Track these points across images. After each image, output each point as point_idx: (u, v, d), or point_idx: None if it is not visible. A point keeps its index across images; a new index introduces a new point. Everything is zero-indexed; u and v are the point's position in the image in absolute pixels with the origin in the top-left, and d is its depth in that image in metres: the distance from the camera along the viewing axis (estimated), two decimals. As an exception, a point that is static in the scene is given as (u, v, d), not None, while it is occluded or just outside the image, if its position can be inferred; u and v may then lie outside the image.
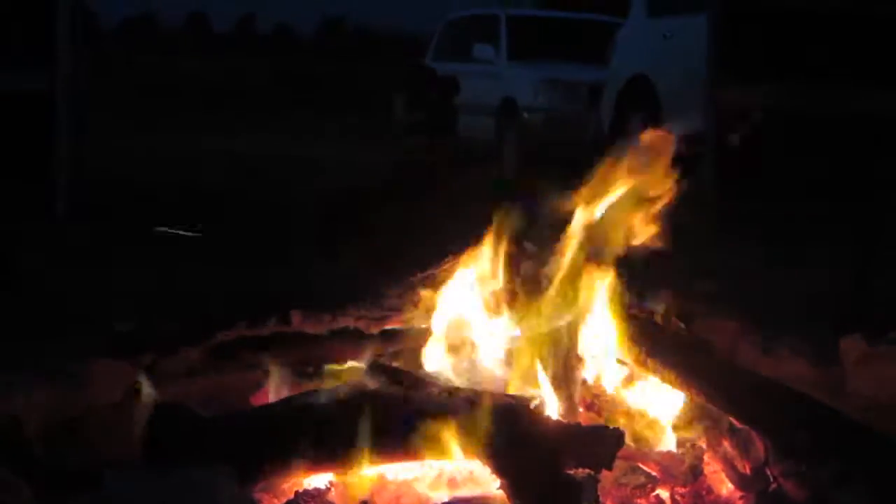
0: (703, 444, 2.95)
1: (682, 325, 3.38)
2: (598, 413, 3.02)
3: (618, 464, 2.62)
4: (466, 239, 3.22)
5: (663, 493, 2.77)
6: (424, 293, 3.24)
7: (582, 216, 3.08)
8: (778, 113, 7.78)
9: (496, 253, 3.16)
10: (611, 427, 2.73)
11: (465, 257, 3.20)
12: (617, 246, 3.09)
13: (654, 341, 3.11)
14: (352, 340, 3.44)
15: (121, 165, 9.67)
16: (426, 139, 11.13)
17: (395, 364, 3.10)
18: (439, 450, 2.62)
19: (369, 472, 2.72)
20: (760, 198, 7.87)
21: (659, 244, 3.10)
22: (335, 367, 3.28)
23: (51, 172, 7.32)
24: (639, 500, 2.73)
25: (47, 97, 7.34)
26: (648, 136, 3.13)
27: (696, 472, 2.83)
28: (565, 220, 3.10)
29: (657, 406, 3.09)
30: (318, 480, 2.71)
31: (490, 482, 2.58)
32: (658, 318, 3.31)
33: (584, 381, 3.10)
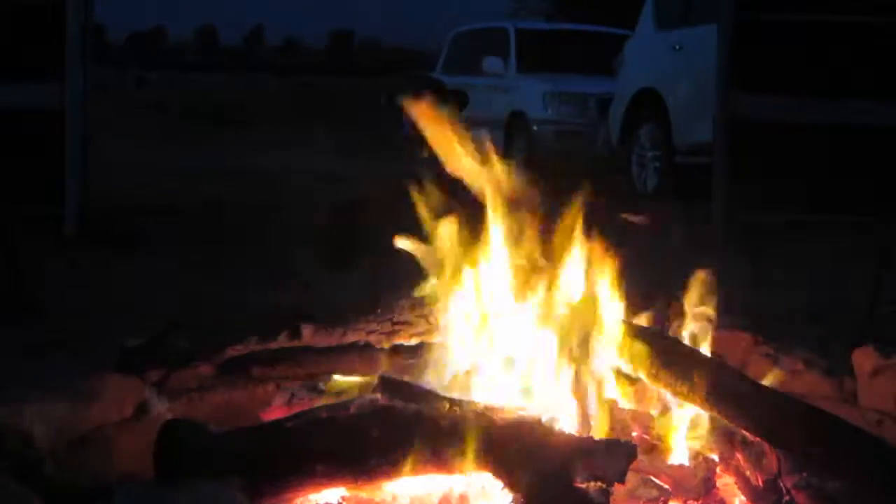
0: (715, 456, 2.94)
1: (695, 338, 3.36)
2: (611, 426, 3.01)
3: (630, 477, 2.60)
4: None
5: (676, 507, 2.76)
6: (434, 307, 3.24)
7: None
8: (790, 124, 7.77)
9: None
10: (623, 440, 2.72)
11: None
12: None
13: (665, 354, 3.09)
14: (363, 355, 3.44)
15: (127, 182, 9.68)
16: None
17: (406, 378, 3.09)
18: (451, 464, 2.62)
19: (381, 486, 2.72)
20: (771, 209, 7.86)
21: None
22: (347, 381, 3.28)
23: (60, 190, 7.32)
24: (651, 514, 2.72)
25: (56, 114, 7.35)
26: None
27: (708, 485, 2.82)
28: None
29: (669, 419, 3.08)
30: (329, 495, 2.70)
31: (502, 496, 2.58)
32: (669, 331, 3.30)
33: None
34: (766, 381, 3.18)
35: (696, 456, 2.94)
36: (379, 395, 2.80)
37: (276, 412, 3.14)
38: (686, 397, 3.02)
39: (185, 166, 11.91)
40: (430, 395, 2.84)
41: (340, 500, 2.69)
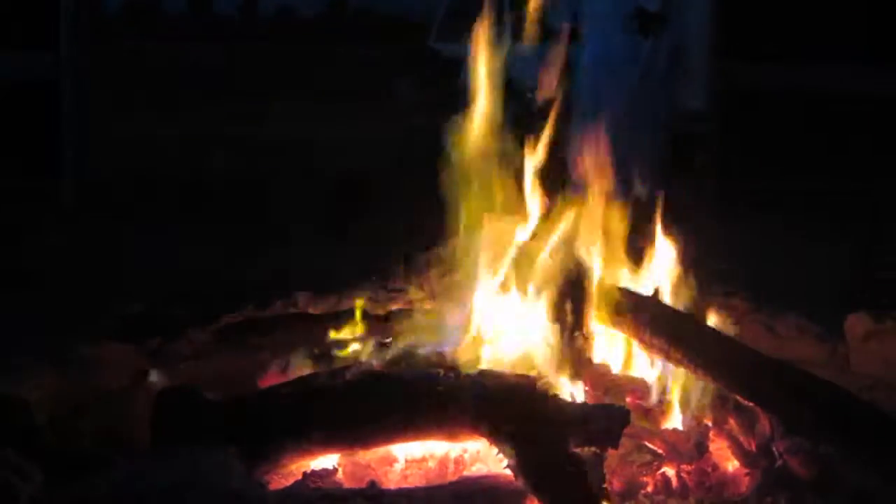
0: (708, 421, 2.96)
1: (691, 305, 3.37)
2: (604, 392, 3.02)
3: (624, 442, 2.63)
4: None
5: (669, 471, 2.78)
6: (431, 273, 3.25)
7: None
8: (782, 91, 7.74)
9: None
10: (617, 405, 2.74)
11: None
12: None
13: (659, 321, 3.11)
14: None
15: (126, 153, 9.65)
16: (431, 120, 11.10)
17: (402, 344, 3.11)
18: (447, 430, 2.64)
19: (377, 452, 2.74)
20: (762, 176, 7.85)
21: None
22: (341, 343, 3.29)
23: (57, 162, 7.31)
24: (645, 478, 2.74)
25: (52, 85, 7.32)
26: None
27: (701, 449, 2.84)
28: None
29: (662, 384, 3.10)
30: (325, 461, 2.72)
31: (497, 461, 2.60)
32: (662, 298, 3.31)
33: (591, 360, 3.11)
34: (759, 347, 3.20)
35: (689, 421, 2.96)
36: (374, 362, 2.82)
37: (272, 379, 3.15)
38: (679, 363, 3.04)
39: (184, 137, 11.86)
40: (426, 361, 2.87)
41: (336, 466, 2.71)
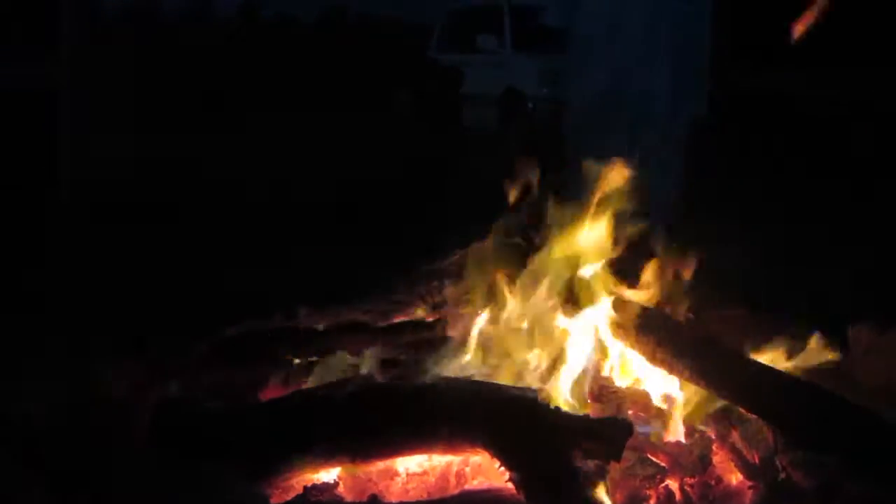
0: (712, 434, 2.95)
1: (691, 316, 3.37)
2: (607, 404, 3.02)
3: (627, 455, 2.61)
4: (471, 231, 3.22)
5: (672, 484, 2.77)
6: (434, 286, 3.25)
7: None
8: (782, 97, 7.75)
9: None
10: (620, 418, 2.73)
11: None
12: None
13: (662, 333, 3.10)
14: (359, 334, 3.45)
15: (123, 155, 9.63)
16: (430, 131, 11.12)
17: (404, 357, 3.11)
18: (448, 443, 2.63)
19: (378, 465, 2.73)
20: (763, 179, 7.85)
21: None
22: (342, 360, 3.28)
23: (54, 169, 7.31)
24: (648, 491, 2.73)
25: (51, 86, 7.32)
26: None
27: (705, 462, 2.83)
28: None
29: (666, 397, 3.09)
30: (326, 475, 2.71)
31: (499, 475, 2.59)
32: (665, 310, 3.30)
33: (593, 373, 3.10)
34: (763, 358, 3.19)
35: (692, 433, 2.95)
36: (375, 374, 2.81)
37: (272, 392, 3.14)
38: (683, 375, 3.03)
39: (184, 140, 11.85)
40: (428, 374, 2.86)
41: (337, 480, 2.70)
